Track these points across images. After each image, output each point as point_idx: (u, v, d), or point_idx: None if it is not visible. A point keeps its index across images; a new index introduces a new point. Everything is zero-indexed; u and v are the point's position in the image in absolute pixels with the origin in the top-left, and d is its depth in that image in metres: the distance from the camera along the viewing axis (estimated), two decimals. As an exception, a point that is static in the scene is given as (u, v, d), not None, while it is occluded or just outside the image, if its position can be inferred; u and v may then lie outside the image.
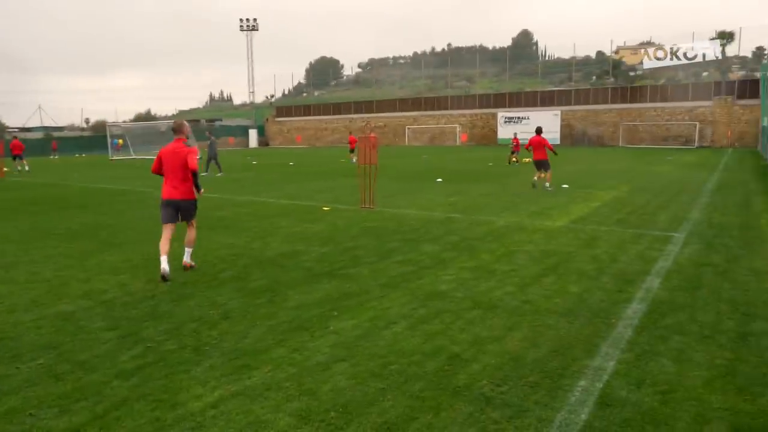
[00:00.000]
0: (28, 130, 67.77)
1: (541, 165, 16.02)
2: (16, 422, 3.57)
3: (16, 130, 66.06)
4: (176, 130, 7.08)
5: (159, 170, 7.06)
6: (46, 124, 74.88)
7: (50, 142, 54.61)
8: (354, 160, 31.34)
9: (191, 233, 7.27)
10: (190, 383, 4.02)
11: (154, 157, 7.16)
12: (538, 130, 16.20)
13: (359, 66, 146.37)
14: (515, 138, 28.65)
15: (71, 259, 8.15)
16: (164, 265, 6.67)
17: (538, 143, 15.94)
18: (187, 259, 7.22)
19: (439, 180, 18.93)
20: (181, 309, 5.68)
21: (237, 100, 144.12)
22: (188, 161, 6.85)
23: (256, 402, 3.73)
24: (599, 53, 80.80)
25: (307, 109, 72.92)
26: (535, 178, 16.20)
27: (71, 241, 9.53)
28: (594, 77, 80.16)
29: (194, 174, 6.95)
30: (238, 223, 10.95)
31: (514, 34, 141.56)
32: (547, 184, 15.83)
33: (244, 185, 18.77)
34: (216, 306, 5.75)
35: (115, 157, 41.09)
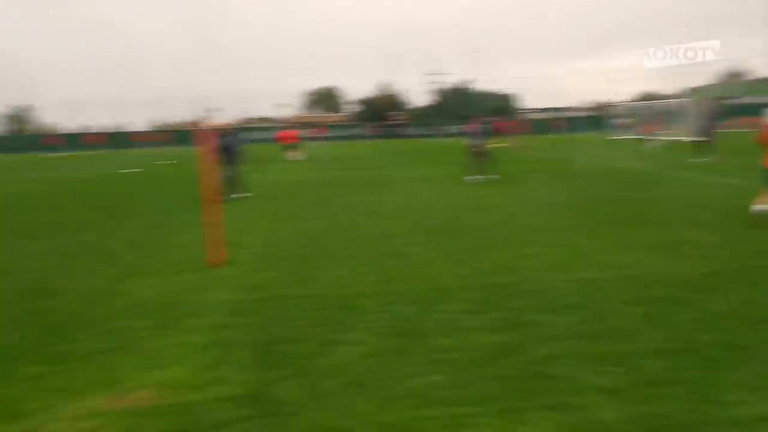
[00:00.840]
0: (540, 110, 76.03)
1: None
2: (559, 365, 3.98)
3: (535, 110, 75.27)
4: None
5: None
6: (553, 105, 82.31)
7: (554, 122, 61.08)
8: None
9: None
10: (732, 385, 3.61)
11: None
12: None
13: None
14: None
15: (586, 230, 8.63)
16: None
17: None
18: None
19: None
20: (714, 301, 5.21)
21: (753, 76, 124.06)
22: None
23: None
24: None
25: None
26: None
27: (587, 215, 10.16)
28: None
29: None
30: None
31: None
32: None
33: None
34: (756, 306, 5.03)
35: (615, 137, 41.71)
